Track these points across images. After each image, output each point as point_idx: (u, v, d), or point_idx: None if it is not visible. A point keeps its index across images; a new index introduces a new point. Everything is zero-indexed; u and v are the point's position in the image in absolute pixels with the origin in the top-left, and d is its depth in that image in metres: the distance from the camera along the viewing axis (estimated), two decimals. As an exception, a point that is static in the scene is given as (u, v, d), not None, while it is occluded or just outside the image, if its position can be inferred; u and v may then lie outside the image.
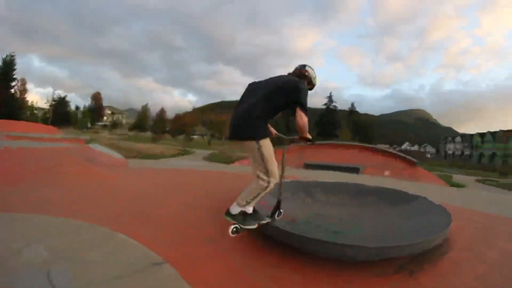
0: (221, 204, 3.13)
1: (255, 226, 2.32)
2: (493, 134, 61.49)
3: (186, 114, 69.14)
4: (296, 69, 2.55)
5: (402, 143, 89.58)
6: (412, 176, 13.97)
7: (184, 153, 27.11)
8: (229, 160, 18.96)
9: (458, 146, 73.96)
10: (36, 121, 45.75)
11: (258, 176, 2.20)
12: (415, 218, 3.14)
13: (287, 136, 2.67)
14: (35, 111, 59.73)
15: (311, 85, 2.55)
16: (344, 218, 3.29)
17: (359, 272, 2.08)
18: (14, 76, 52.00)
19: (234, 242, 2.44)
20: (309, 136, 2.30)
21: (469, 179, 20.66)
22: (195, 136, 65.19)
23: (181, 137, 57.37)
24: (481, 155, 62.11)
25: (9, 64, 51.31)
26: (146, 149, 25.76)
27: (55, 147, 8.00)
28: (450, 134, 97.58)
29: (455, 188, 11.38)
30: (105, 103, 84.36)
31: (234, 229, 2.27)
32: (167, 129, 65.24)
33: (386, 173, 14.24)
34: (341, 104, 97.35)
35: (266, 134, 2.21)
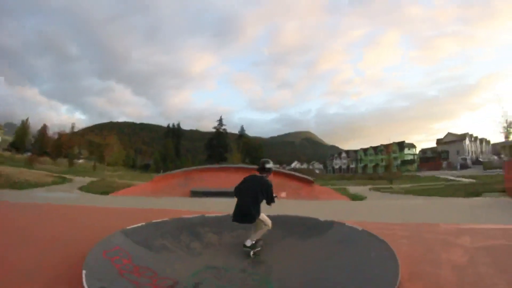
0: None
1: (260, 248, 3.20)
2: (374, 148, 74.81)
3: (72, 134, 58.63)
4: (260, 163, 3.67)
5: (291, 162, 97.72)
6: (311, 195, 13.72)
7: (60, 181, 22.94)
8: (109, 190, 16.90)
9: (344, 161, 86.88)
10: None
11: (262, 223, 3.35)
12: (343, 256, 2.45)
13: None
14: None
15: (269, 172, 3.70)
16: (247, 269, 2.50)
17: None
18: None
19: None
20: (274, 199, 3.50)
21: (363, 188, 22.91)
22: (81, 161, 56.64)
23: (64, 160, 49.36)
24: (365, 167, 75.02)
25: None
26: (18, 174, 21.48)
27: None
28: (334, 151, 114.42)
29: (358, 201, 12.30)
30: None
31: (253, 254, 3.08)
32: (48, 150, 53.72)
33: (283, 194, 13.82)
34: (232, 127, 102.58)
35: (260, 212, 3.34)
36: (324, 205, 9.04)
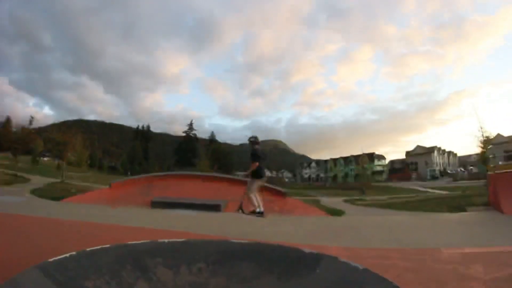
0: None
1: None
2: (344, 158, 76.50)
3: (32, 129, 52.70)
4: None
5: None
6: (284, 209, 12.13)
7: (11, 181, 20.70)
8: (66, 194, 15.30)
9: (314, 170, 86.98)
10: None
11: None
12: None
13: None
14: None
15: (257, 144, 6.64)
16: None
17: None
18: None
19: None
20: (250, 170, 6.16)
21: (337, 200, 21.78)
22: (46, 159, 52.56)
23: (27, 157, 45.66)
24: (335, 176, 76.04)
25: None
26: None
27: None
28: (304, 160, 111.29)
29: (338, 217, 11.03)
30: None
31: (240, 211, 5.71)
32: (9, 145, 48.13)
33: (251, 208, 12.41)
34: (202, 132, 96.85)
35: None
36: (300, 222, 7.78)
